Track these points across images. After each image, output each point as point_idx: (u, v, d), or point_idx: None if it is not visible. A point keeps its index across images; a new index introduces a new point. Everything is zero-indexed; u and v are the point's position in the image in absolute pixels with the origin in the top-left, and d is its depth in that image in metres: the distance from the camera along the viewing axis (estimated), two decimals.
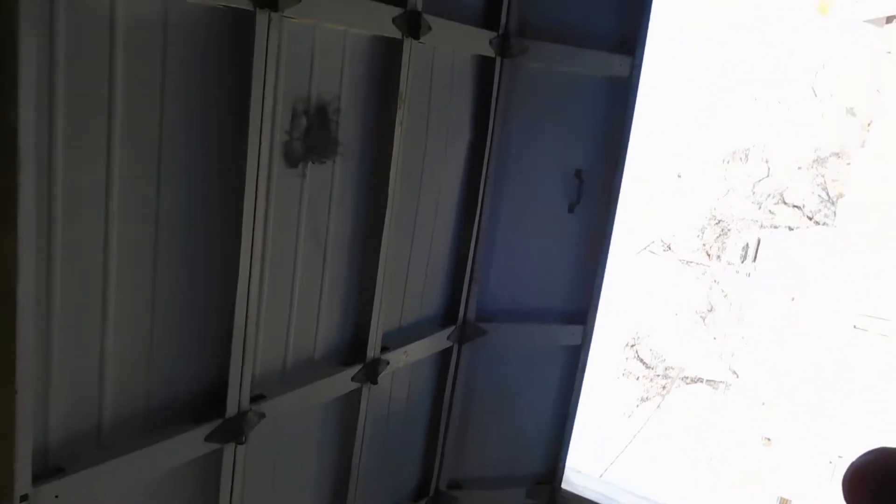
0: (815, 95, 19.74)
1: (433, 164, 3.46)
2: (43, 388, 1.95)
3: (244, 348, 2.54)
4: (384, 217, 3.06)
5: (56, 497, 1.99)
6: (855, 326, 8.89)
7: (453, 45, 3.32)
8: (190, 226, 2.30)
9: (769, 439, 19.91)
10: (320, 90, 2.68)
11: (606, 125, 3.83)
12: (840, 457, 14.64)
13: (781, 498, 18.53)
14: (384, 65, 2.93)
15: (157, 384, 2.34)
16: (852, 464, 2.21)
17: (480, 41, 3.42)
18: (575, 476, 4.63)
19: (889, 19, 15.43)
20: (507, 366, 4.14)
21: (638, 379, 24.28)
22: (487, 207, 3.78)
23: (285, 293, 2.79)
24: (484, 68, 3.55)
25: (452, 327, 3.86)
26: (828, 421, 11.39)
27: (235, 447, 2.62)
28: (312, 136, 2.71)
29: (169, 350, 2.35)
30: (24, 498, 1.88)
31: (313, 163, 2.75)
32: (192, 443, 2.45)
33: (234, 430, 2.58)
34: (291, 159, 2.65)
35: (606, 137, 3.84)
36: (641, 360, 24.26)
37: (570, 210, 3.94)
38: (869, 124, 9.24)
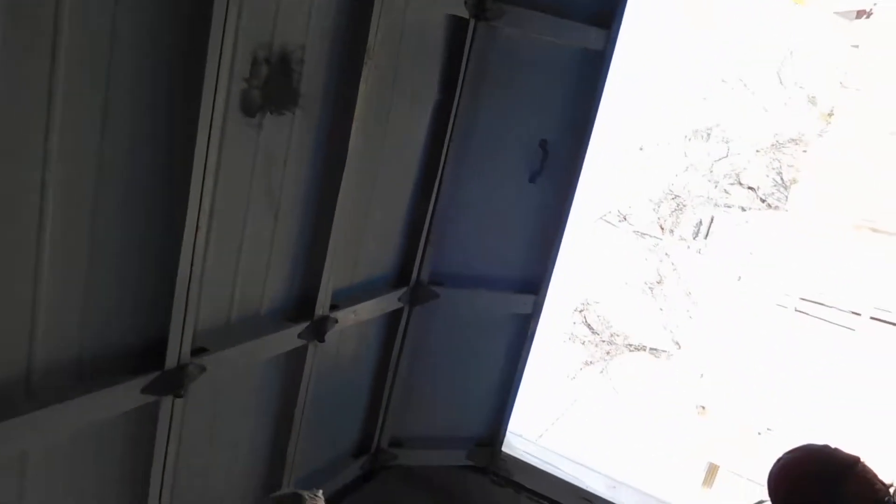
0: (781, 82, 19.94)
1: (396, 124, 3.37)
2: None
3: (187, 300, 2.45)
4: (342, 174, 2.98)
5: None
6: (796, 309, 9.11)
7: (427, 1, 3.22)
8: (134, 171, 2.18)
9: (704, 408, 20.54)
10: (284, 38, 2.56)
11: (576, 97, 3.78)
12: (769, 429, 15.18)
13: (711, 463, 19.18)
14: (353, 17, 2.82)
15: (92, 333, 2.25)
16: (778, 460, 2.26)
17: (455, 0, 3.32)
18: (516, 440, 4.68)
19: (859, 14, 15.56)
20: (456, 330, 4.13)
21: (584, 343, 24.72)
22: (448, 171, 3.72)
23: (233, 245, 2.70)
24: (456, 29, 3.45)
25: (404, 289, 3.82)
26: (761, 395, 11.75)
27: (173, 400, 2.55)
28: (272, 86, 2.60)
29: (107, 299, 2.25)
30: None
31: (271, 114, 2.64)
32: (127, 394, 2.37)
33: (173, 383, 2.51)
34: (248, 108, 2.54)
35: (575, 109, 3.80)
36: (589, 326, 24.66)
37: (532, 180, 3.90)
38: (829, 114, 9.36)
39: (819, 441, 2.33)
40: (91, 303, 2.20)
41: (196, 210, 2.35)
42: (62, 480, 2.30)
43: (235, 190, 2.60)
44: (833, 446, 2.27)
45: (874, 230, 8.26)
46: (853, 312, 8.51)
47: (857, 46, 11.89)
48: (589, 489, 4.28)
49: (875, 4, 7.84)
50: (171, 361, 2.48)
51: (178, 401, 2.57)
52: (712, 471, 19.19)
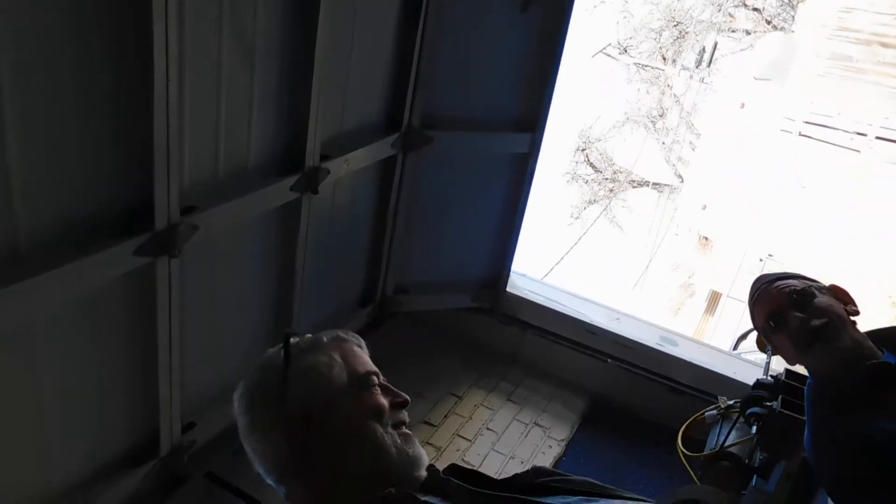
0: None
1: None
2: None
3: (168, 156, 2.32)
4: (318, 12, 2.77)
5: None
6: (800, 133, 8.95)
7: None
8: (95, 22, 2.03)
9: (707, 238, 20.80)
10: None
11: None
12: (770, 255, 15.42)
13: (713, 291, 19.68)
14: None
15: (76, 197, 2.15)
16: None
17: None
18: (519, 279, 4.71)
19: None
20: (453, 173, 4.04)
21: (587, 182, 24.72)
22: (434, 5, 3.50)
23: (210, 97, 2.54)
24: None
25: (396, 134, 3.69)
26: (763, 223, 11.81)
27: (169, 261, 2.51)
28: None
29: (84, 160, 2.14)
30: None
31: None
32: (120, 256, 2.30)
33: (166, 243, 2.44)
34: None
35: None
36: (591, 164, 24.56)
37: (523, 10, 3.67)
38: None
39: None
40: (67, 165, 2.09)
41: (164, 58, 2.19)
42: (68, 350, 2.31)
43: (203, 33, 2.42)
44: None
45: (884, 45, 7.94)
46: (858, 133, 8.35)
47: None
48: (593, 322, 4.35)
49: None
50: (160, 222, 2.41)
51: (174, 261, 2.52)
52: (714, 298, 19.72)
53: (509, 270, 4.49)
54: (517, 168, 4.13)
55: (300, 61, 2.86)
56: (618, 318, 4.49)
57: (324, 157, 3.19)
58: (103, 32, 2.06)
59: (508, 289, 4.53)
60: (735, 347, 9.02)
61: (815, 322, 2.12)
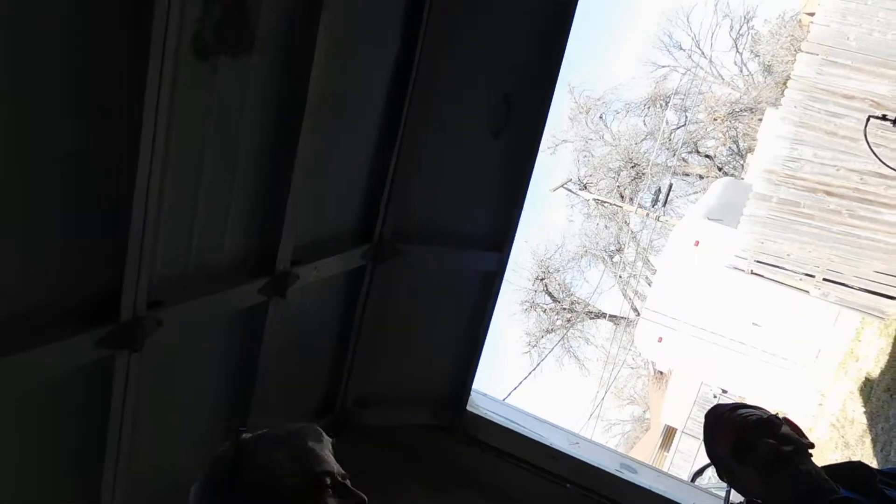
0: (738, 51, 20.15)
1: (357, 74, 3.26)
2: None
3: (141, 249, 2.31)
4: (301, 122, 2.84)
5: None
6: (752, 272, 9.26)
7: None
8: (82, 115, 2.06)
9: (662, 373, 20.95)
10: None
11: (539, 50, 3.71)
12: (724, 391, 15.54)
13: (667, 426, 19.63)
14: None
15: (43, 284, 2.12)
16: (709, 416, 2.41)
17: None
18: (480, 399, 4.67)
19: None
20: (420, 288, 4.07)
21: (545, 311, 25.04)
22: (411, 125, 3.63)
23: (189, 195, 2.56)
24: None
25: (367, 245, 3.73)
26: (717, 358, 11.99)
27: (130, 355, 2.45)
28: (227, 27, 2.45)
29: (56, 248, 2.13)
30: None
31: (226, 56, 2.51)
32: (81, 347, 2.23)
33: (129, 337, 2.39)
34: (201, 51, 2.39)
35: (538, 63, 3.73)
36: (550, 294, 24.97)
37: (496, 136, 3.84)
38: (784, 83, 9.45)
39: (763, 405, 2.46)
40: (39, 251, 2.07)
41: (148, 157, 2.22)
42: (16, 438, 2.21)
43: (189, 135, 2.47)
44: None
45: (828, 193, 8.40)
46: (807, 274, 8.67)
47: (810, 15, 11.98)
48: (553, 446, 4.29)
49: None
50: (126, 314, 2.36)
51: (135, 356, 2.47)
52: (669, 433, 19.65)
53: (471, 387, 4.45)
54: (484, 285, 4.17)
55: (281, 168, 2.92)
56: (577, 443, 4.44)
57: (294, 262, 3.19)
58: (92, 123, 2.10)
59: (469, 407, 4.47)
60: (692, 482, 8.93)
61: (785, 448, 2.13)
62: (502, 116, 3.83)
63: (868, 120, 7.68)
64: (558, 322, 24.36)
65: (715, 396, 16.56)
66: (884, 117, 7.64)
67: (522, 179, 3.98)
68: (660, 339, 12.34)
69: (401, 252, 3.88)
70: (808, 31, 8.43)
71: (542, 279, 23.95)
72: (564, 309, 24.23)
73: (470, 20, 3.58)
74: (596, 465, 4.20)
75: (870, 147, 7.72)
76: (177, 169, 2.45)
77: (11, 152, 1.91)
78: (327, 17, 2.78)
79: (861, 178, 8.16)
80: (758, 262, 8.92)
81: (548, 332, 24.03)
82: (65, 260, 2.19)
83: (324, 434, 1.56)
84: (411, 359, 4.22)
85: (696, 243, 11.60)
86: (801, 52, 8.15)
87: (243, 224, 2.92)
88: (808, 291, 8.87)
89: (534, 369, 19.67)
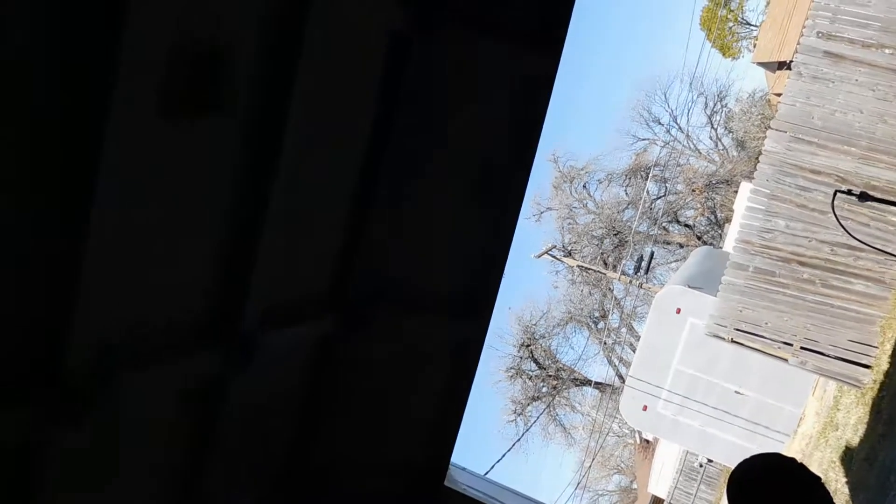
0: (713, 127, 20.82)
1: (333, 134, 3.24)
2: None
3: (89, 312, 2.17)
4: (271, 183, 2.78)
5: None
6: (732, 339, 9.42)
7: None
8: (34, 175, 1.99)
9: (648, 441, 20.85)
10: (211, 36, 2.37)
11: (520, 118, 3.71)
12: (710, 461, 15.51)
13: (653, 496, 19.43)
14: (290, 18, 2.66)
15: None
16: (738, 467, 2.34)
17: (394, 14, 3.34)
18: (458, 474, 4.63)
19: (780, 65, 16.37)
20: (393, 355, 3.99)
21: (531, 378, 24.94)
22: (387, 188, 3.62)
23: (147, 256, 2.41)
24: (399, 46, 3.39)
25: (338, 310, 3.64)
26: (702, 425, 12.04)
27: (69, 429, 2.27)
28: (197, 85, 2.38)
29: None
30: None
31: (195, 113, 2.41)
32: (18, 422, 2.13)
33: (71, 409, 2.22)
34: (168, 108, 2.28)
35: (518, 131, 3.71)
36: (535, 360, 24.92)
37: (474, 200, 3.89)
38: (757, 158, 9.83)
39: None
40: None
41: (103, 217, 2.11)
42: None
43: (155, 194, 2.36)
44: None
45: (801, 263, 8.65)
46: (784, 342, 8.85)
47: (779, 95, 12.47)
48: None
49: (793, 59, 8.37)
50: (69, 384, 2.19)
51: (78, 428, 2.28)
52: None
53: (448, 462, 4.39)
54: (460, 355, 4.14)
55: (246, 230, 2.81)
56: None
57: (258, 328, 3.01)
58: (43, 188, 2.02)
59: (447, 483, 4.42)
60: None
61: None
62: (481, 182, 3.86)
63: (835, 194, 8.00)
64: (544, 389, 24.29)
65: (700, 465, 16.51)
66: (849, 192, 7.96)
67: (501, 246, 4.00)
68: (644, 408, 12.39)
69: (374, 318, 3.83)
70: (777, 110, 8.83)
71: (527, 346, 23.96)
72: (550, 376, 24.19)
73: (453, 87, 3.67)
74: None
75: (837, 220, 8.01)
76: (134, 231, 2.33)
77: None
78: (304, 78, 2.75)
79: (832, 250, 8.42)
80: (737, 329, 9.10)
81: (533, 399, 23.92)
82: (6, 321, 2.06)
83: None
84: (385, 431, 4.09)
85: (678, 310, 11.78)
86: (771, 129, 8.51)
87: (205, 288, 2.79)
88: (786, 360, 9.03)
89: (518, 439, 19.53)
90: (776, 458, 2.41)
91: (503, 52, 3.63)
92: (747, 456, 2.34)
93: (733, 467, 2.35)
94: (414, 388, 4.12)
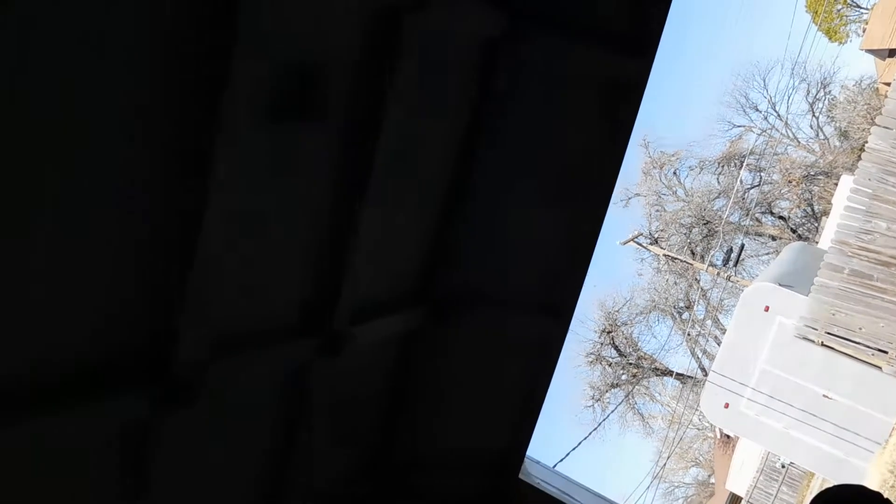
0: (814, 115, 19.86)
1: (422, 141, 3.35)
2: None
3: (199, 310, 2.36)
4: (365, 187, 2.94)
5: None
6: (822, 343, 9.07)
7: (458, 22, 3.22)
8: (154, 176, 2.16)
9: (729, 437, 20.35)
10: (309, 52, 2.53)
11: (607, 124, 3.67)
12: (791, 462, 15.02)
13: (732, 494, 18.99)
14: (384, 33, 2.79)
15: (95, 345, 2.18)
16: (819, 496, 2.26)
17: (487, 21, 3.36)
18: (533, 467, 4.68)
19: (892, 53, 15.47)
20: (475, 352, 4.11)
21: (610, 365, 24.65)
22: (473, 190, 3.71)
23: (250, 257, 2.63)
24: (486, 52, 3.47)
25: (423, 307, 3.79)
26: (785, 426, 11.68)
27: (177, 413, 2.43)
28: (296, 97, 2.55)
29: (117, 306, 2.20)
30: None
31: (294, 124, 2.58)
32: (130, 404, 2.29)
33: (180, 396, 2.40)
34: (270, 119, 2.46)
35: (605, 137, 3.69)
36: (616, 347, 24.59)
37: (559, 202, 3.88)
38: (861, 148, 9.34)
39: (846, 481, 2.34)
40: (100, 307, 2.14)
41: (214, 221, 2.29)
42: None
43: (255, 196, 2.54)
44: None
45: None
46: (879, 350, 8.46)
47: (888, 84, 11.80)
48: None
49: None
50: (178, 374, 2.37)
51: (183, 413, 2.44)
52: (734, 501, 19.01)
53: (523, 458, 4.45)
54: (540, 353, 4.19)
55: (342, 229, 2.97)
56: None
57: (350, 323, 3.19)
58: (163, 190, 2.18)
59: (521, 475, 4.48)
60: None
61: None
62: (565, 186, 3.87)
63: None
64: (623, 377, 23.98)
65: (783, 466, 16.03)
66: None
67: (584, 248, 3.99)
68: (726, 405, 12.09)
69: (457, 315, 3.94)
70: (885, 102, 8.36)
71: (608, 332, 23.67)
72: (630, 364, 23.86)
73: (540, 91, 3.68)
74: None
75: None
76: (239, 233, 2.50)
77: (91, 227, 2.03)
78: (396, 90, 2.88)
79: None
80: (828, 333, 8.75)
81: (612, 386, 23.66)
82: (124, 319, 2.23)
83: None
84: (463, 423, 4.23)
85: (767, 308, 11.40)
86: (876, 125, 8.08)
87: (300, 285, 2.96)
88: (880, 368, 8.64)
89: (597, 427, 19.37)
90: (861, 490, 2.31)
91: (594, 56, 3.59)
92: (830, 485, 2.27)
93: (813, 496, 2.29)
94: (495, 383, 4.20)
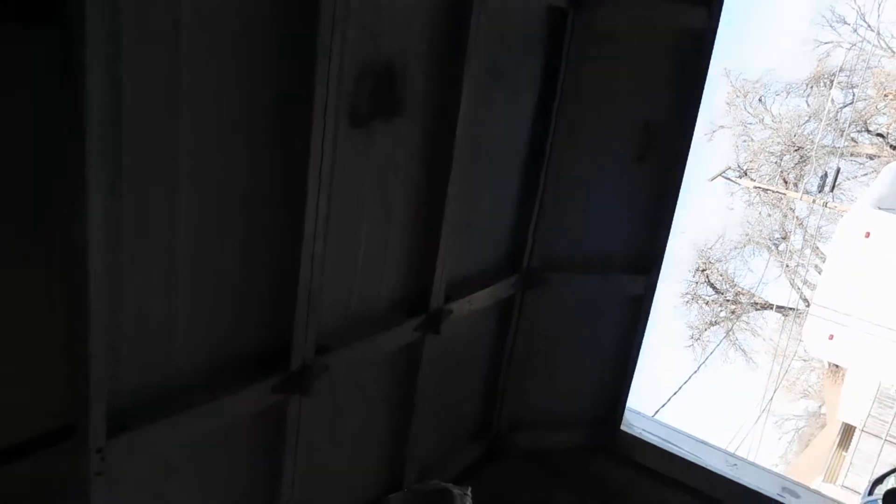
0: None
1: (500, 116, 3.42)
2: (115, 347, 2.03)
3: (309, 303, 2.59)
4: (449, 171, 3.06)
5: (128, 450, 2.11)
6: None
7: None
8: (257, 189, 2.34)
9: (838, 367, 19.66)
10: (387, 51, 2.65)
11: (681, 77, 3.70)
12: None
13: (845, 424, 18.42)
14: (453, 19, 2.86)
15: (224, 340, 2.42)
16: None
17: None
18: (634, 418, 4.68)
19: None
20: (569, 313, 4.16)
21: (707, 304, 24.10)
22: (554, 157, 3.74)
23: (350, 249, 2.83)
24: (555, 20, 3.45)
25: (516, 275, 3.88)
26: (892, 355, 11.18)
27: (300, 399, 2.69)
28: (378, 96, 2.70)
29: (236, 306, 2.42)
30: (99, 450, 2.00)
31: (379, 122, 2.74)
32: (258, 395, 2.54)
33: (300, 382, 2.65)
34: (357, 120, 2.65)
35: (680, 90, 3.73)
36: (712, 285, 23.99)
37: (639, 161, 3.84)
38: None
39: None
40: (222, 310, 2.38)
41: (314, 219, 2.49)
42: (201, 475, 2.52)
43: (349, 196, 2.73)
44: None
45: None
46: None
47: None
48: (709, 467, 4.24)
49: None
50: (296, 362, 2.63)
51: (305, 398, 2.71)
52: (847, 432, 18.42)
53: (624, 409, 4.47)
54: (632, 308, 4.20)
55: (431, 215, 3.12)
56: (735, 465, 4.35)
57: (447, 299, 3.39)
58: (266, 201, 2.39)
59: (623, 427, 4.49)
60: (870, 493, 8.40)
61: None
62: (644, 143, 3.84)
63: None
64: (722, 314, 23.41)
65: None
66: None
67: (668, 203, 3.97)
68: (831, 337, 11.65)
69: (548, 280, 3.99)
70: None
71: (703, 270, 23.09)
72: (728, 300, 23.25)
73: (607, 55, 3.63)
74: (755, 488, 4.13)
75: None
76: (338, 226, 2.71)
77: (202, 227, 2.21)
78: (469, 76, 2.93)
79: None
80: None
81: (712, 324, 23.14)
82: (244, 316, 2.47)
83: (467, 490, 1.69)
84: (563, 382, 4.31)
85: (867, 234, 10.84)
86: None
87: (399, 268, 3.15)
88: None
89: (697, 370, 19.00)
90: None
91: (660, 8, 3.50)
92: None
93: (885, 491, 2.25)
94: (588, 343, 4.32)
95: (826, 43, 20.67)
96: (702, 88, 3.65)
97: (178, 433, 2.30)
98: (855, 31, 19.76)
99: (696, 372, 19.14)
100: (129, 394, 2.13)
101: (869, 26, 19.78)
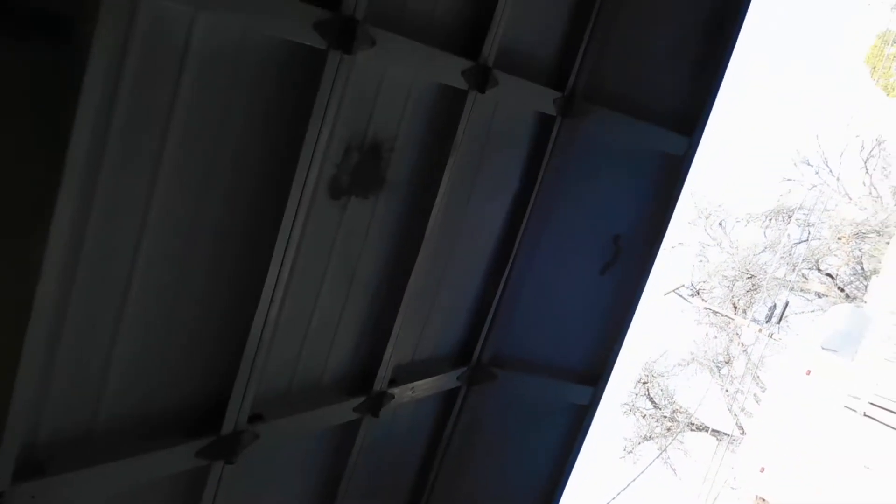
0: (867, 171, 19.41)
1: (474, 211, 3.46)
2: (43, 387, 1.93)
3: (251, 368, 2.53)
4: (416, 256, 3.06)
5: (32, 497, 1.98)
6: (865, 414, 8.74)
7: (517, 101, 3.30)
8: (224, 243, 2.31)
9: (764, 500, 19.67)
10: (377, 129, 2.69)
11: (654, 196, 3.78)
12: None
13: None
14: (444, 112, 2.93)
15: (158, 393, 2.34)
16: None
17: (544, 100, 3.40)
18: None
19: None
20: (511, 413, 4.12)
21: (644, 417, 24.09)
22: (521, 255, 3.78)
23: (303, 318, 2.79)
24: (542, 126, 3.53)
25: (464, 368, 3.84)
26: (822, 495, 11.22)
27: (223, 466, 2.61)
28: (361, 172, 2.71)
29: (177, 360, 2.37)
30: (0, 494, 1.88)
31: (356, 197, 2.75)
32: (182, 456, 2.44)
33: (226, 449, 2.58)
34: (335, 191, 2.65)
35: (651, 208, 3.80)
36: (651, 399, 24.05)
37: (602, 272, 3.89)
38: None
39: None
40: (164, 361, 2.31)
41: (272, 285, 2.45)
42: None
43: (314, 266, 2.71)
44: None
45: None
46: None
47: None
48: None
49: None
50: (227, 427, 2.55)
51: (228, 466, 2.62)
52: None
53: None
54: (574, 419, 4.16)
55: (391, 296, 3.09)
56: None
57: (392, 382, 3.33)
58: (232, 253, 2.36)
59: None
60: None
61: None
62: (612, 255, 3.90)
63: None
64: (658, 430, 23.41)
65: None
66: None
67: (625, 317, 3.99)
68: (762, 470, 11.70)
69: (496, 376, 3.96)
70: None
71: (644, 383, 23.20)
72: (665, 417, 23.30)
73: (587, 165, 3.72)
74: None
75: None
76: (296, 292, 2.68)
77: (161, 278, 2.16)
78: (453, 164, 2.97)
79: None
80: (872, 404, 8.43)
81: (646, 439, 23.11)
82: (183, 373, 2.41)
83: None
84: (494, 484, 4.22)
85: (808, 372, 11.05)
86: None
87: (349, 345, 3.12)
88: None
89: (628, 486, 18.83)
90: None
91: (643, 131, 3.61)
92: None
93: None
94: (527, 447, 4.30)
95: (789, 180, 21.53)
96: (672, 210, 3.74)
97: (89, 486, 2.18)
98: (817, 172, 20.65)
99: (626, 487, 18.96)
100: (47, 436, 2.02)
101: (830, 171, 20.70)
